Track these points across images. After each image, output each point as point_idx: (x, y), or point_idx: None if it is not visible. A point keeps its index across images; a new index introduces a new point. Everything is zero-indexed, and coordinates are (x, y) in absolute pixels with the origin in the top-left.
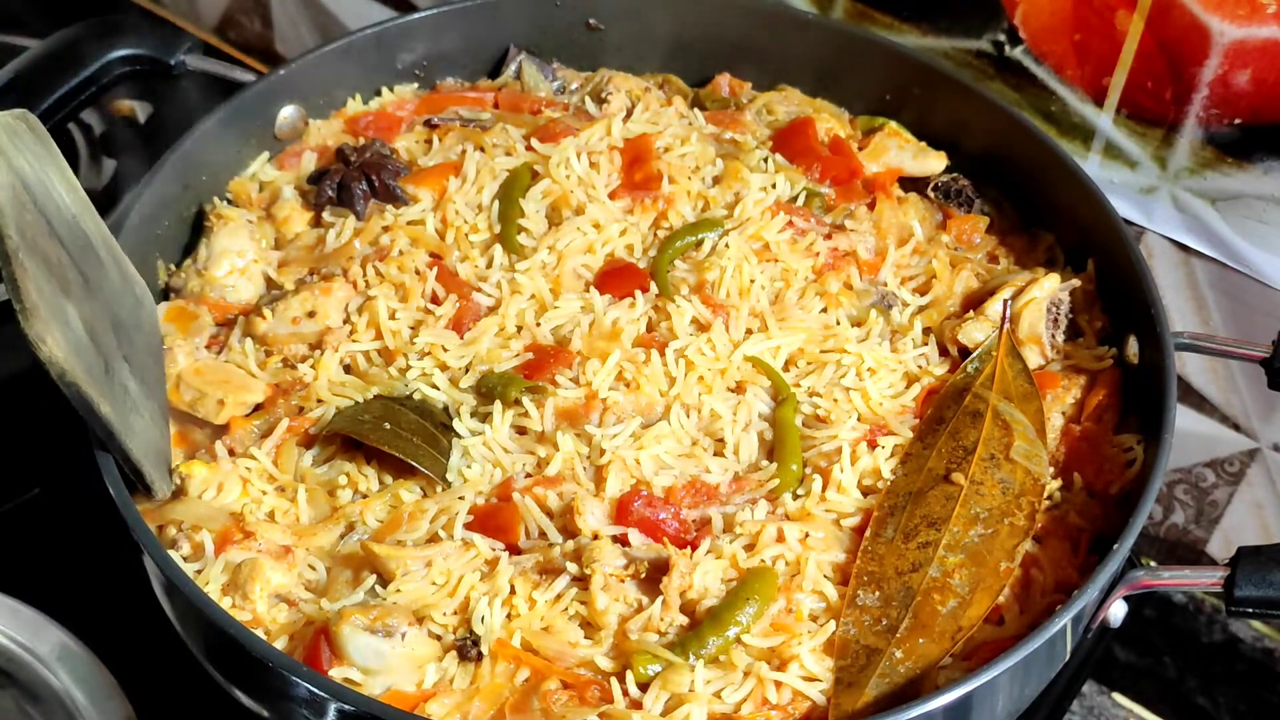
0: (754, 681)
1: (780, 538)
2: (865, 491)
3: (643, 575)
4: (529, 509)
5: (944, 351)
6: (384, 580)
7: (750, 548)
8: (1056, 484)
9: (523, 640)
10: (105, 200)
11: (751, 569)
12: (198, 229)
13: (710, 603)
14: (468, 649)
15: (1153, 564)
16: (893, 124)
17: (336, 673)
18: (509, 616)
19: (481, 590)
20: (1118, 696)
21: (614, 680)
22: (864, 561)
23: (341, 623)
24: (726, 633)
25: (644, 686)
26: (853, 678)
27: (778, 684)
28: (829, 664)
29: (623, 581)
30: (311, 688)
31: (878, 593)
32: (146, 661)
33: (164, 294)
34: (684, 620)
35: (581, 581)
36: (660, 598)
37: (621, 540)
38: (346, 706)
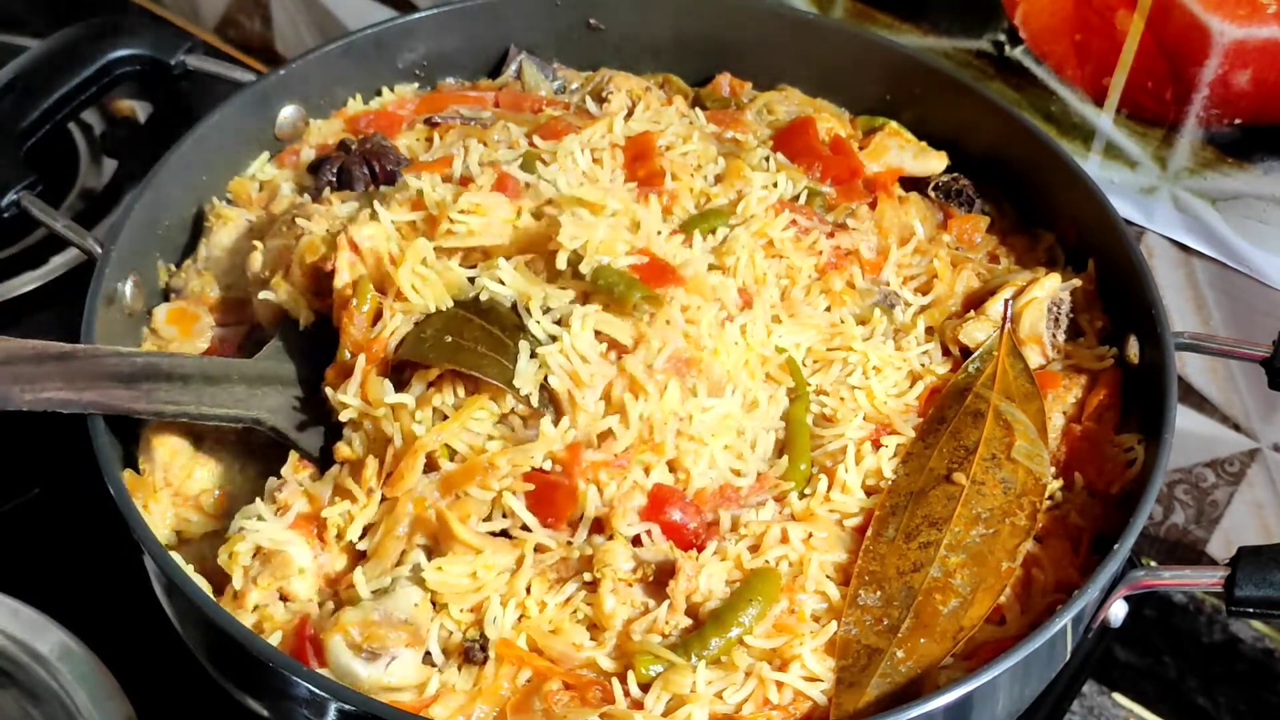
0: (755, 682)
1: (784, 538)
2: (868, 491)
3: (650, 579)
4: (588, 498)
5: (946, 351)
6: (430, 551)
7: (755, 549)
8: (1058, 484)
9: (528, 640)
10: (105, 200)
11: (755, 570)
12: (198, 229)
13: (714, 604)
14: (475, 652)
15: (1153, 564)
16: (893, 124)
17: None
18: (520, 618)
19: (498, 589)
20: (1118, 696)
21: (615, 681)
22: (865, 561)
23: (332, 632)
24: (729, 633)
25: (645, 687)
26: (854, 678)
27: (779, 684)
28: (830, 664)
29: (630, 586)
30: (312, 688)
31: (879, 592)
32: (146, 661)
33: (164, 295)
34: (687, 622)
35: (590, 585)
36: (666, 601)
37: (633, 541)
38: (347, 706)
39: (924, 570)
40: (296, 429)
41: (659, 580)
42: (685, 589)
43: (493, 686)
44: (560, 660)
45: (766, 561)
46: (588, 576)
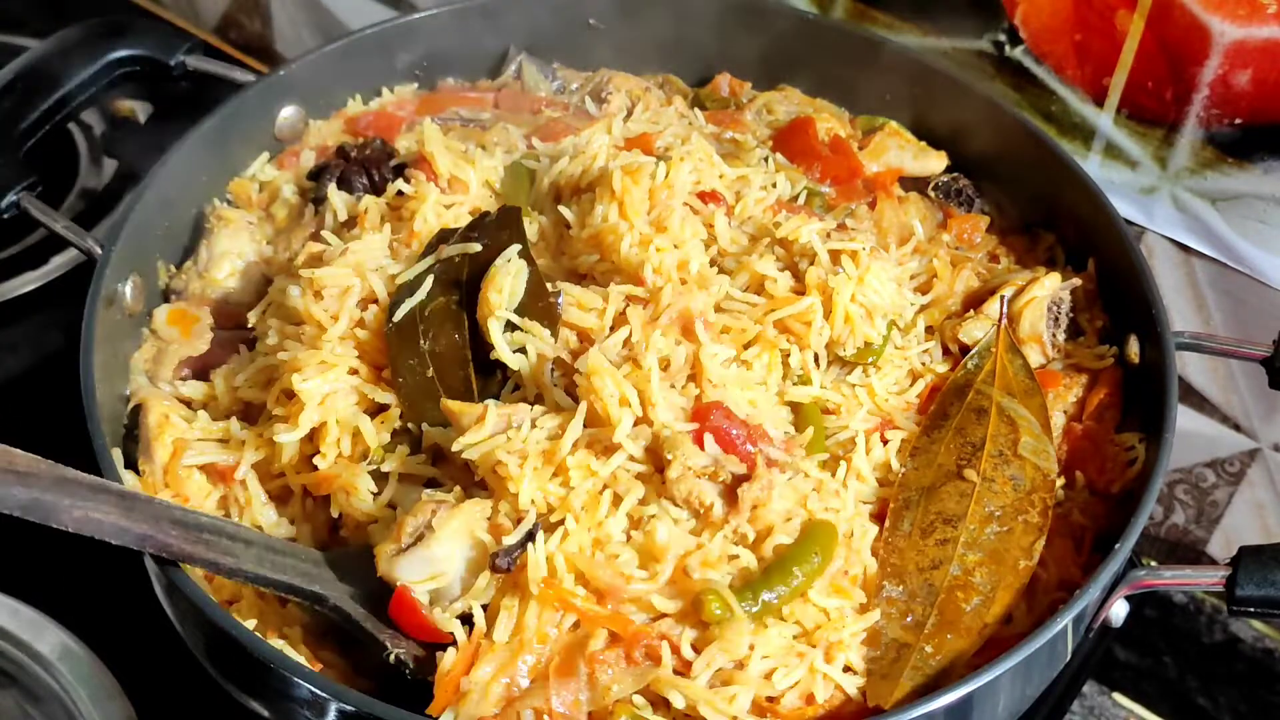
0: (805, 669)
1: (836, 493)
2: (879, 483)
3: (723, 480)
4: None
5: (946, 351)
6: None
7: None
8: (1060, 482)
9: (571, 566)
10: (105, 200)
11: (814, 521)
12: (198, 230)
13: (780, 540)
14: (500, 560)
15: (1154, 564)
16: (893, 124)
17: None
18: (564, 538)
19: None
20: (1118, 696)
21: (665, 645)
22: (886, 552)
23: (381, 563)
24: (791, 581)
25: (697, 649)
26: (885, 669)
27: (825, 676)
28: (867, 653)
29: (701, 478)
30: (313, 688)
31: (901, 586)
32: (146, 661)
33: (164, 296)
34: (744, 557)
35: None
36: (721, 534)
37: (697, 440)
38: (347, 707)
39: (944, 568)
40: (364, 617)
41: (730, 490)
42: (756, 496)
43: (538, 631)
44: (608, 593)
45: (826, 511)
46: (639, 454)
